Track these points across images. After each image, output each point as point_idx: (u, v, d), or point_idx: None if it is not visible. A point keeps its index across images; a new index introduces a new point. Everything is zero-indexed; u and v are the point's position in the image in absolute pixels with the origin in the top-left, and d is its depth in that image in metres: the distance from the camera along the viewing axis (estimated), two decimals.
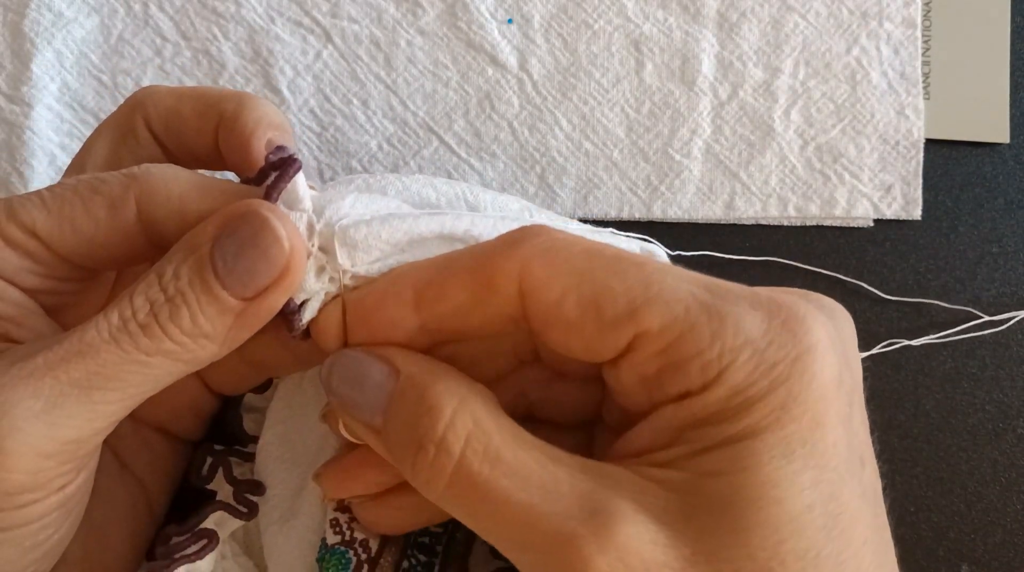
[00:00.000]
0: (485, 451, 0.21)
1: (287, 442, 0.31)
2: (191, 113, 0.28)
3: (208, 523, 0.28)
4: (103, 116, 0.37)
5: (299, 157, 0.24)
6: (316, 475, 0.28)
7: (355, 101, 0.39)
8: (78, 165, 0.29)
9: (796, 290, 0.23)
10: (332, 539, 0.28)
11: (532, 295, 0.23)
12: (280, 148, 0.25)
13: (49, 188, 0.24)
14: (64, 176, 0.28)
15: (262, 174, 0.25)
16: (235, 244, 0.23)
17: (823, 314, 0.22)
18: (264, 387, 0.31)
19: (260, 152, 0.27)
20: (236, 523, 0.29)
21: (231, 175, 0.29)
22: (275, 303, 0.24)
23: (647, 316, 0.22)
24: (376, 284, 0.25)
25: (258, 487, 0.30)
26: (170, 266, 0.23)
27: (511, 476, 0.21)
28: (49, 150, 0.38)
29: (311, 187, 0.26)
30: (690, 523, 0.20)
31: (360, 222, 0.25)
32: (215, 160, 0.29)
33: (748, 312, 0.22)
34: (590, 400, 0.27)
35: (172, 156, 0.29)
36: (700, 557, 0.20)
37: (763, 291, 0.23)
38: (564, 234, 0.23)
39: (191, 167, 0.29)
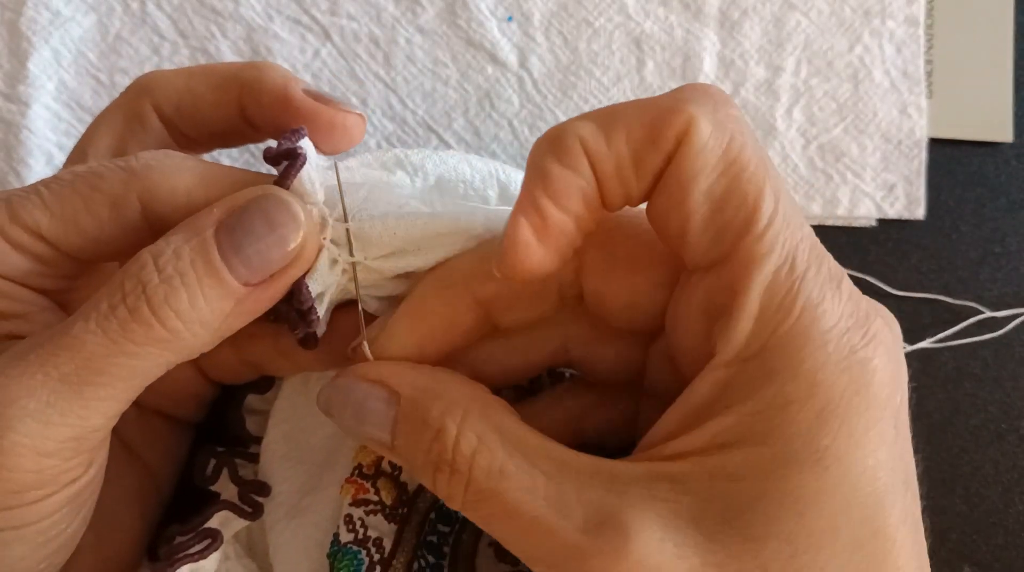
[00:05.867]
0: (489, 468, 0.22)
1: (291, 440, 0.31)
2: (207, 89, 0.27)
3: (212, 523, 0.28)
4: None
5: (303, 151, 0.24)
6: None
7: (354, 99, 0.38)
8: (79, 153, 0.28)
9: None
10: (345, 536, 0.28)
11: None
12: (295, 131, 0.25)
13: (46, 183, 0.24)
14: (66, 165, 0.28)
15: (278, 155, 0.24)
16: (247, 226, 0.22)
17: (882, 318, 0.22)
18: (266, 388, 0.31)
19: (303, 100, 0.26)
20: (240, 523, 0.29)
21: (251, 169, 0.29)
22: (277, 292, 0.23)
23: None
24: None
25: (263, 488, 0.30)
26: (168, 247, 0.22)
27: (518, 489, 0.22)
28: (46, 149, 0.38)
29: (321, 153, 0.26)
30: (704, 523, 0.21)
31: (375, 218, 0.25)
32: (234, 132, 0.28)
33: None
34: (633, 358, 0.27)
35: (185, 138, 0.28)
36: (711, 560, 0.20)
37: None
38: None
39: (209, 146, 0.30)
